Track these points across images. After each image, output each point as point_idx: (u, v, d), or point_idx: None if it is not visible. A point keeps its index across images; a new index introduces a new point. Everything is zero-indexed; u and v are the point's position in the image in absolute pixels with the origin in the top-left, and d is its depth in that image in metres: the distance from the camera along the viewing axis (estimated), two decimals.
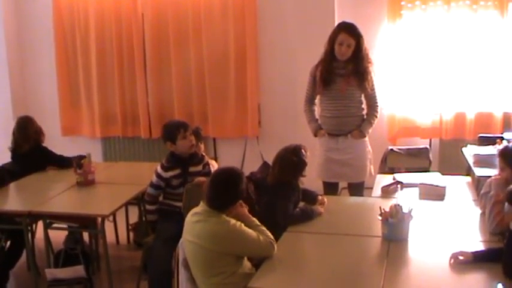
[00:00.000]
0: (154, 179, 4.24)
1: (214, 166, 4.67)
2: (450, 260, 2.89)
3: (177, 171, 4.23)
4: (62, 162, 5.16)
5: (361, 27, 4.54)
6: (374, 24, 6.15)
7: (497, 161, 3.53)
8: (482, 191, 3.60)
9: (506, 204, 3.17)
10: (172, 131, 4.23)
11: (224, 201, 3.14)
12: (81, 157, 4.88)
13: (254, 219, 3.23)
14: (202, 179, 4.20)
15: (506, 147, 3.57)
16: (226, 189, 3.15)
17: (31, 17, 6.98)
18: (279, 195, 3.66)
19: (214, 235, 3.02)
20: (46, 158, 5.16)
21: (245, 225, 3.11)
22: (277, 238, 3.25)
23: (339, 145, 4.61)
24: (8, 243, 4.70)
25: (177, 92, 6.62)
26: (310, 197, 3.88)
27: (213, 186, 3.16)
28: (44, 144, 5.22)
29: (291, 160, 3.75)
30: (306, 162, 3.79)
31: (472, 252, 2.90)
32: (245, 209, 3.25)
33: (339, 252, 3.20)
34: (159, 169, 4.23)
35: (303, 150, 3.80)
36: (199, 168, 4.36)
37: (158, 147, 6.66)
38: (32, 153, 5.10)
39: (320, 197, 3.93)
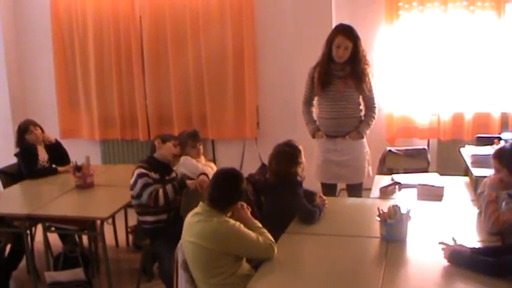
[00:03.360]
0: (141, 180, 4.09)
1: (213, 168, 4.68)
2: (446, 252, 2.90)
3: (157, 176, 4.19)
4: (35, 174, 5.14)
5: (359, 28, 4.56)
6: (372, 26, 6.15)
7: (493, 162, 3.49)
8: (479, 191, 3.62)
9: (504, 203, 3.19)
10: (169, 135, 4.48)
11: (226, 201, 3.17)
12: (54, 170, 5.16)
13: (256, 221, 3.26)
14: (203, 178, 4.22)
15: (500, 149, 3.54)
16: (228, 189, 3.19)
17: (29, 20, 6.98)
18: (288, 195, 3.69)
19: (214, 234, 3.03)
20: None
21: (247, 227, 3.12)
22: (278, 239, 3.27)
23: (337, 146, 4.62)
24: (9, 246, 4.71)
25: (176, 94, 6.63)
26: (309, 197, 3.88)
27: (215, 185, 3.20)
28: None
29: (285, 151, 3.81)
30: (299, 149, 3.85)
31: (470, 249, 2.91)
32: (247, 212, 3.28)
33: (337, 253, 3.21)
34: (141, 170, 4.13)
35: (293, 142, 3.88)
36: (173, 175, 4.37)
37: None
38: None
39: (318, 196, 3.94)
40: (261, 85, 6.51)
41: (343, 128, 4.60)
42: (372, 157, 4.85)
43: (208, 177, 4.29)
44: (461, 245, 2.93)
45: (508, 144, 3.69)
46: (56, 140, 5.36)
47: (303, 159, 3.85)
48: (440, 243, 2.97)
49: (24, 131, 5.14)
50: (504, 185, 3.30)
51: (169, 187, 4.14)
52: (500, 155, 3.41)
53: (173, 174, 4.37)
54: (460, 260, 2.83)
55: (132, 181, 4.14)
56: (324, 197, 3.89)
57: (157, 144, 4.30)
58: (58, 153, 5.32)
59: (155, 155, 4.30)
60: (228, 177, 3.24)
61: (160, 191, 4.10)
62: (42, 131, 5.25)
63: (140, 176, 4.11)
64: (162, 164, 4.28)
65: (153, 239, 4.22)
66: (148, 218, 4.19)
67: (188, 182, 4.25)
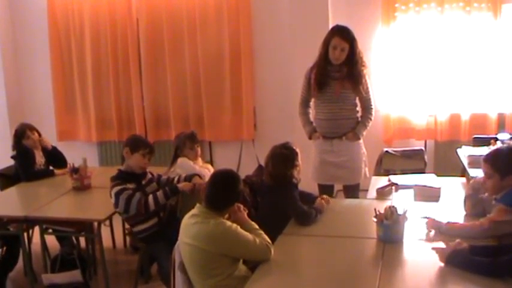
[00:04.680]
0: (122, 196, 3.98)
1: (210, 170, 4.69)
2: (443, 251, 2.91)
3: (133, 185, 4.08)
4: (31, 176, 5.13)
5: (356, 29, 4.56)
6: (368, 27, 6.17)
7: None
8: (466, 193, 3.60)
9: (494, 202, 3.19)
10: (140, 143, 4.23)
11: (223, 202, 3.17)
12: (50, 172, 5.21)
13: (252, 223, 3.26)
14: (200, 181, 4.21)
15: (492, 152, 3.39)
16: (225, 190, 3.19)
17: (26, 22, 6.99)
18: (283, 196, 3.70)
19: (211, 236, 3.04)
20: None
21: (243, 228, 3.13)
22: (274, 240, 3.28)
23: (334, 147, 4.62)
24: (3, 249, 4.70)
25: (173, 96, 6.64)
26: (308, 199, 3.90)
27: (212, 186, 3.20)
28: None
29: (282, 153, 3.81)
30: (296, 151, 3.84)
31: (468, 247, 2.92)
32: (244, 213, 3.28)
33: (334, 255, 3.21)
34: (117, 188, 4.01)
35: (290, 144, 3.87)
36: (149, 176, 4.30)
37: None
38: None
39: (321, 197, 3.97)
40: (257, 86, 6.52)
41: (340, 129, 4.60)
42: (368, 158, 4.86)
43: (200, 178, 4.29)
44: (458, 242, 2.93)
45: (500, 148, 3.65)
46: (52, 146, 5.36)
47: (300, 161, 3.85)
48: (432, 249, 2.97)
49: (21, 136, 5.13)
50: (496, 189, 3.25)
51: (160, 193, 4.08)
52: (492, 159, 3.27)
53: (149, 176, 4.29)
54: (457, 261, 2.83)
55: (113, 201, 4.03)
56: (327, 197, 3.93)
57: (126, 155, 4.16)
58: (55, 157, 5.33)
59: (123, 169, 4.17)
60: (225, 179, 3.24)
61: (150, 197, 4.04)
62: (40, 134, 5.25)
63: (119, 193, 3.99)
64: (133, 174, 4.17)
65: (150, 243, 4.22)
66: (141, 227, 4.14)
67: (182, 184, 4.24)
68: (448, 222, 3.27)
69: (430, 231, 3.28)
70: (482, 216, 3.26)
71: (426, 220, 3.34)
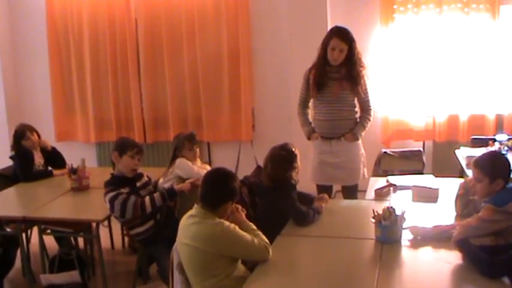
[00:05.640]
0: (117, 201, 3.95)
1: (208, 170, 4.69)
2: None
3: (126, 189, 4.05)
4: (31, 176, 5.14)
5: (354, 30, 4.57)
6: (367, 28, 6.18)
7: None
8: (457, 193, 3.60)
9: (483, 204, 3.20)
10: (126, 144, 4.20)
11: (216, 199, 3.16)
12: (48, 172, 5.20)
13: (251, 223, 3.26)
14: (197, 182, 4.22)
15: (481, 157, 3.37)
16: (217, 187, 3.19)
17: (25, 23, 6.99)
18: (282, 197, 3.71)
19: (209, 236, 3.04)
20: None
21: (241, 229, 3.13)
22: (272, 241, 3.28)
23: (333, 148, 4.63)
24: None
25: (171, 97, 6.64)
26: (306, 200, 3.90)
27: (205, 184, 3.22)
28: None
29: (281, 155, 3.81)
30: (295, 153, 3.85)
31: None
32: (242, 214, 3.28)
33: (332, 255, 3.21)
34: (111, 194, 3.97)
35: (289, 146, 3.87)
36: (145, 179, 4.29)
37: (152, 152, 6.67)
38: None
39: (320, 195, 4.03)
40: (256, 87, 6.52)
41: (338, 129, 4.61)
42: (367, 159, 4.86)
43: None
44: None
45: (489, 153, 3.64)
46: (52, 147, 5.36)
47: (298, 163, 3.86)
48: (457, 225, 3.03)
49: (21, 137, 5.14)
50: (486, 193, 3.25)
51: (157, 195, 4.07)
52: (482, 164, 3.27)
53: (145, 178, 4.28)
54: (465, 247, 2.89)
55: (108, 207, 4.03)
56: (325, 195, 3.97)
57: (115, 159, 4.14)
58: (54, 158, 5.33)
59: (115, 173, 4.16)
60: (217, 176, 3.26)
61: (147, 198, 4.03)
62: (39, 136, 5.25)
63: (113, 199, 3.97)
64: (126, 179, 4.14)
65: (149, 245, 4.21)
66: (138, 230, 4.13)
67: (180, 185, 4.25)
68: (435, 226, 3.26)
69: (417, 237, 3.26)
70: None
71: (408, 228, 3.29)
